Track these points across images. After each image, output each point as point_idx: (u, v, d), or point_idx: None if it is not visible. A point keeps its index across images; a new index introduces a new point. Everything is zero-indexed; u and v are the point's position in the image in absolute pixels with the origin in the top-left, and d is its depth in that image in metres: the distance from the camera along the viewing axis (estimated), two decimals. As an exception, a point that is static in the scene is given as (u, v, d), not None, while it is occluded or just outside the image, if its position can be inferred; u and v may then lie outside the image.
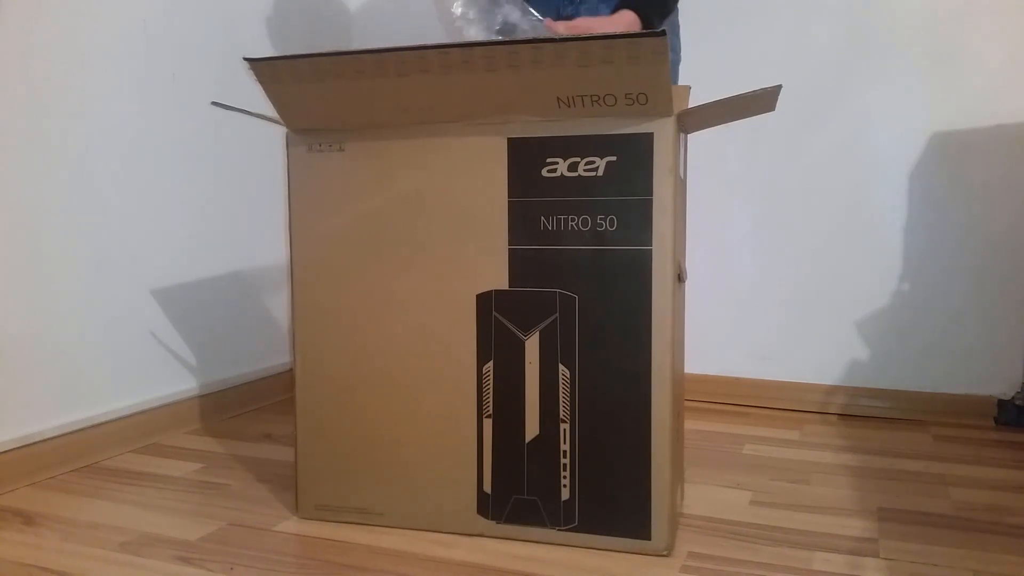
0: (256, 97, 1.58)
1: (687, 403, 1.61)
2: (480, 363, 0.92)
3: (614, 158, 0.85)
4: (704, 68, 1.43)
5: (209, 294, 1.47)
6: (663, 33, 0.75)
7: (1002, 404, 1.45)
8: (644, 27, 1.08)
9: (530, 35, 1.02)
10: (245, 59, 0.88)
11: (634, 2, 1.09)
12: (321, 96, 0.89)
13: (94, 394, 1.25)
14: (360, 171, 0.93)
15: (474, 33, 1.01)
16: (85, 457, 1.22)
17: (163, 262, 1.37)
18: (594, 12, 1.17)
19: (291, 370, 0.99)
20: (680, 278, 0.91)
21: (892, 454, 1.28)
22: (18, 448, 1.12)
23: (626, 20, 1.07)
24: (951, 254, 1.47)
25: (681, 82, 1.26)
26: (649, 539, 0.88)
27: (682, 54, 1.27)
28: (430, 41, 0.83)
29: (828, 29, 1.51)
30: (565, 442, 0.90)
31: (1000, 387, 1.46)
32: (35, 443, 1.14)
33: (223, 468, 1.20)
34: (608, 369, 0.88)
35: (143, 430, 1.32)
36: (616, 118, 0.85)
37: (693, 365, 1.60)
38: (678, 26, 1.24)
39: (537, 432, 0.91)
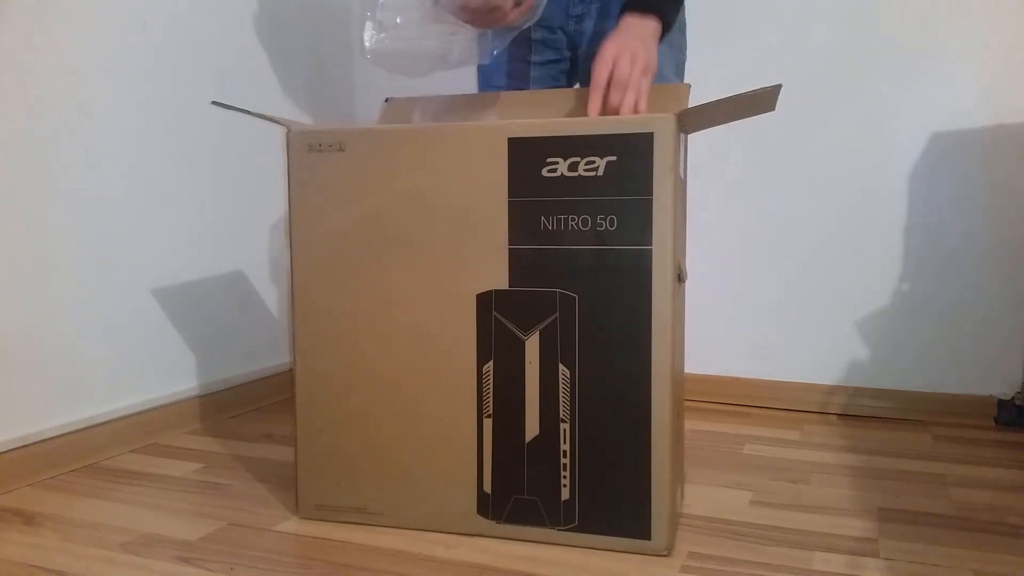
0: (256, 97, 1.58)
1: (687, 403, 1.61)
2: (480, 363, 0.92)
3: (614, 158, 0.85)
4: (704, 68, 1.42)
5: (209, 294, 1.47)
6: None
7: (1002, 404, 1.45)
8: (663, 27, 1.02)
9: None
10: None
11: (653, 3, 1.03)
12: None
13: (94, 394, 1.25)
14: (360, 171, 0.93)
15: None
16: (85, 457, 1.22)
17: (163, 262, 1.37)
18: (604, 13, 1.17)
19: (291, 370, 0.99)
20: (680, 278, 0.91)
21: (892, 454, 1.28)
22: (18, 448, 1.12)
23: (649, 29, 1.00)
24: (951, 254, 1.48)
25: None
26: (649, 539, 0.88)
27: (686, 53, 1.27)
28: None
29: (828, 29, 1.51)
30: (565, 442, 0.90)
31: (1000, 387, 1.46)
32: (35, 443, 1.14)
33: (223, 468, 1.20)
34: (608, 369, 0.88)
35: (143, 430, 1.32)
36: (616, 118, 0.85)
37: (693, 365, 1.60)
38: (685, 24, 1.24)
39: (537, 432, 0.91)
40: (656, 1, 1.03)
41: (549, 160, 0.87)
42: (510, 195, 0.89)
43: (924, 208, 1.48)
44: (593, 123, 0.86)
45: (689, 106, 0.89)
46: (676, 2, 1.08)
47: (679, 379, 0.96)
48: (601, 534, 0.90)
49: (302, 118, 1.70)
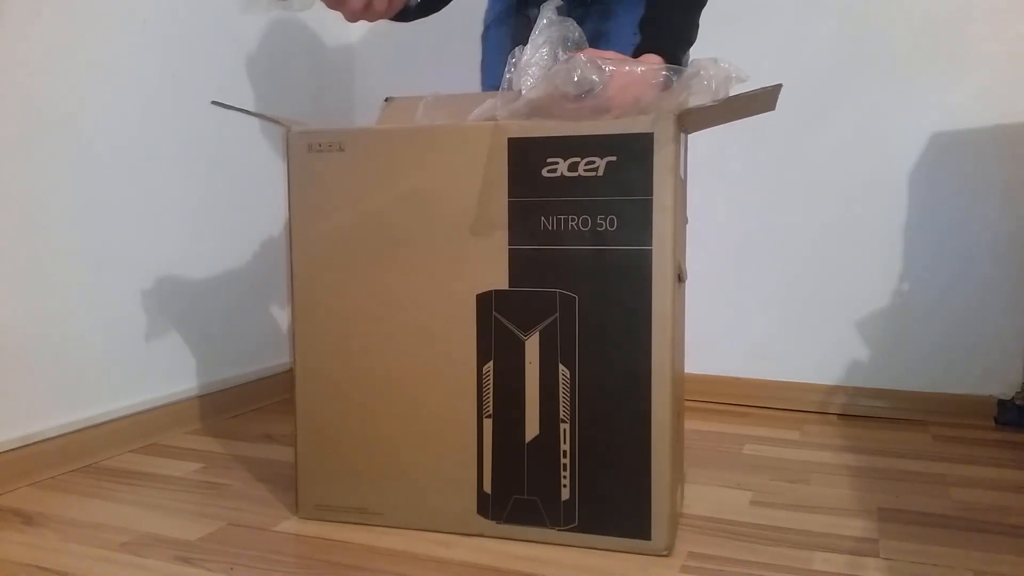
0: (256, 97, 1.58)
1: (687, 403, 1.61)
2: (480, 363, 0.92)
3: (614, 158, 0.85)
4: (704, 68, 1.42)
5: (209, 294, 1.47)
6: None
7: (1002, 404, 1.45)
8: (669, 63, 0.99)
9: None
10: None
11: (656, 42, 1.00)
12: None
13: (94, 394, 1.25)
14: (360, 171, 0.93)
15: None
16: (85, 457, 1.22)
17: (163, 262, 1.37)
18: (605, 14, 1.16)
19: (291, 370, 0.99)
20: (680, 278, 0.91)
21: (892, 454, 1.28)
22: (18, 448, 1.12)
23: (651, 63, 0.93)
24: (951, 254, 1.48)
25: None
26: (649, 539, 0.88)
27: None
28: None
29: (828, 29, 1.51)
30: (565, 442, 0.90)
31: (1000, 387, 1.46)
32: (35, 443, 1.14)
33: (223, 468, 1.20)
34: (608, 369, 0.88)
35: (143, 430, 1.32)
36: (616, 118, 0.85)
37: (693, 365, 1.60)
38: None
39: (537, 432, 0.91)
40: (665, 41, 1.01)
41: (549, 160, 0.87)
42: (510, 195, 0.89)
43: (924, 208, 1.48)
44: (593, 124, 0.86)
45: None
46: (685, 39, 1.05)
47: (679, 379, 0.96)
48: (601, 534, 0.90)
49: (302, 118, 1.70)
